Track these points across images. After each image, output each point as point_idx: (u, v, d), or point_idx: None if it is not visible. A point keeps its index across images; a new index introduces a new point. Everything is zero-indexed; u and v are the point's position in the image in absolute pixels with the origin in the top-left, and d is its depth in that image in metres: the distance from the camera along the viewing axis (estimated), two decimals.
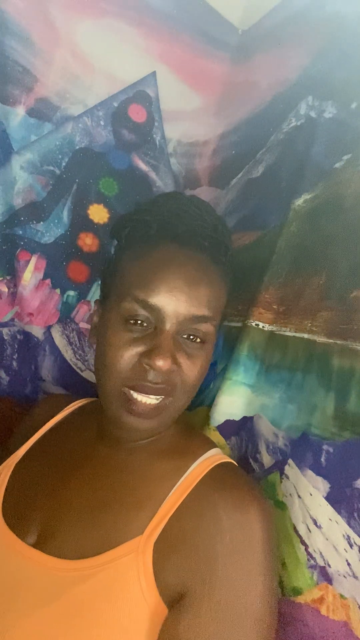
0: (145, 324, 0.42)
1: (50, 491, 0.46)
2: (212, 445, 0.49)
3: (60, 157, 0.71)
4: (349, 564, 0.44)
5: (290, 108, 0.63)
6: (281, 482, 0.52)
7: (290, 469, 0.51)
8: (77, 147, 0.71)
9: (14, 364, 0.74)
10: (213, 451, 0.47)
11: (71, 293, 0.75)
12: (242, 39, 0.74)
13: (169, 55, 0.72)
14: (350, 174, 0.53)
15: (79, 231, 0.73)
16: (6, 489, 0.48)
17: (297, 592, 0.47)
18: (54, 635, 0.36)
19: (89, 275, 0.75)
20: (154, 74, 0.72)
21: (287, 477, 0.51)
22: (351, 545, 0.44)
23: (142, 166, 0.76)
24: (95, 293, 0.76)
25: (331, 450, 0.48)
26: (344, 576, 0.44)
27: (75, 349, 0.75)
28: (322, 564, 0.46)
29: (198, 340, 0.43)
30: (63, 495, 0.45)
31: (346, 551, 0.44)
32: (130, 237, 0.46)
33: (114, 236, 0.49)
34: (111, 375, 0.42)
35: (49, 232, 0.72)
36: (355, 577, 0.43)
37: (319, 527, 0.46)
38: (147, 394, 0.41)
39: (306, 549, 0.47)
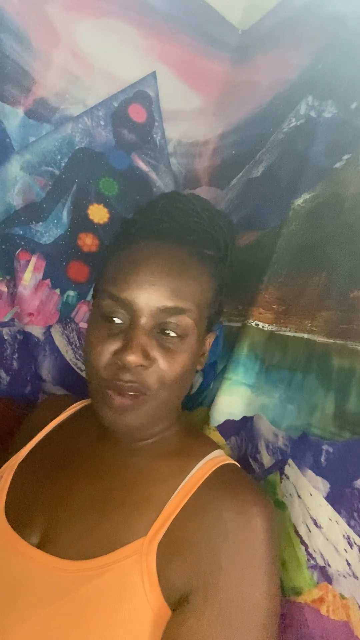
0: (122, 322, 0.42)
1: (53, 492, 0.46)
2: (215, 446, 0.49)
3: (59, 157, 0.70)
4: (349, 564, 0.44)
5: (290, 108, 0.63)
6: (281, 482, 0.52)
7: (290, 469, 0.51)
8: (77, 148, 0.71)
9: (14, 364, 0.74)
10: (216, 452, 0.47)
11: (71, 293, 0.75)
12: (242, 39, 0.74)
13: (169, 55, 0.72)
14: (350, 174, 0.53)
15: (79, 231, 0.73)
16: (9, 490, 0.48)
17: (297, 592, 0.47)
18: (56, 636, 0.36)
19: (89, 275, 0.75)
20: (154, 73, 0.72)
21: (287, 477, 0.51)
22: (351, 545, 0.44)
23: (142, 166, 0.76)
24: None
25: (331, 450, 0.48)
26: (344, 576, 0.44)
27: (75, 349, 0.75)
28: (322, 564, 0.46)
29: (175, 334, 0.42)
30: (66, 495, 0.45)
31: (346, 551, 0.44)
32: (117, 237, 0.47)
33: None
34: (92, 374, 0.43)
35: (49, 232, 0.72)
36: (355, 577, 0.43)
37: (319, 527, 0.46)
38: (121, 394, 0.41)
39: (306, 549, 0.47)
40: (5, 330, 0.72)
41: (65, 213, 0.72)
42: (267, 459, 0.55)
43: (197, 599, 0.36)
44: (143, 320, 0.41)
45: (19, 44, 0.64)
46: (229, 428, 0.60)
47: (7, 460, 0.53)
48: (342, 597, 0.44)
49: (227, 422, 0.60)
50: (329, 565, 0.45)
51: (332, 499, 0.46)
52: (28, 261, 0.71)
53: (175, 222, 0.44)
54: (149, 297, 0.41)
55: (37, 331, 0.74)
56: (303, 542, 0.47)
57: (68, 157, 0.71)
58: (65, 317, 0.75)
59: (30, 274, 0.71)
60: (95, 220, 0.74)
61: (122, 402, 0.41)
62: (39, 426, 0.57)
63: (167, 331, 0.42)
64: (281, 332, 0.57)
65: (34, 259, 0.71)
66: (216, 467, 0.44)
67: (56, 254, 0.73)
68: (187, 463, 0.45)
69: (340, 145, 0.55)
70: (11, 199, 0.69)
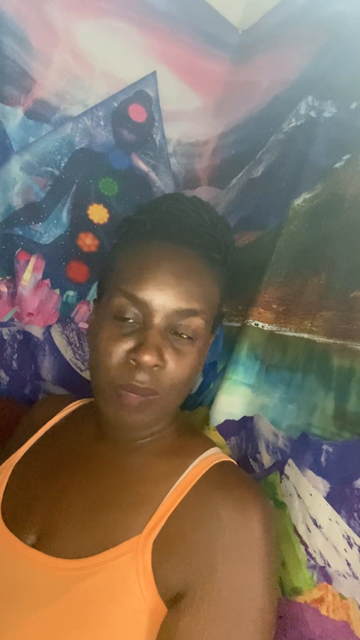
0: (134, 321, 0.42)
1: (49, 491, 0.46)
2: (211, 444, 0.49)
3: (59, 158, 0.71)
4: (348, 564, 0.44)
5: (290, 108, 0.63)
6: (281, 482, 0.52)
7: (290, 469, 0.51)
8: (77, 148, 0.71)
9: (14, 364, 0.74)
10: (212, 450, 0.47)
11: (71, 293, 0.75)
12: (242, 39, 0.74)
13: (169, 55, 0.72)
14: (350, 174, 0.53)
15: (79, 231, 0.73)
16: (5, 490, 0.48)
17: (297, 592, 0.47)
18: (54, 635, 0.36)
19: (89, 275, 0.75)
20: (154, 73, 0.72)
21: (287, 477, 0.51)
22: (351, 545, 0.44)
23: (142, 166, 0.76)
24: (94, 293, 0.76)
25: (331, 450, 0.48)
26: (344, 576, 0.44)
27: (75, 349, 0.75)
28: (322, 563, 0.46)
29: (187, 337, 0.43)
30: (62, 495, 0.45)
31: (346, 551, 0.44)
32: (125, 236, 0.47)
33: (113, 236, 0.50)
34: (102, 372, 0.42)
35: (48, 232, 0.72)
36: (355, 577, 0.43)
37: (319, 527, 0.46)
38: (135, 394, 0.41)
39: (306, 549, 0.47)
40: (5, 330, 0.72)
41: (64, 213, 0.72)
42: (267, 459, 0.55)
43: (193, 596, 0.36)
44: (157, 321, 0.41)
45: (19, 44, 0.64)
46: (229, 428, 0.60)
47: (4, 461, 0.53)
48: (342, 597, 0.44)
49: (227, 422, 0.60)
50: (328, 565, 0.45)
51: (332, 499, 0.46)
52: (27, 261, 0.71)
53: (183, 225, 0.44)
54: (166, 298, 0.41)
55: (36, 331, 0.74)
56: (303, 542, 0.47)
57: (68, 157, 0.71)
58: (65, 317, 0.75)
59: (29, 274, 0.71)
60: (95, 221, 0.74)
61: (134, 401, 0.41)
62: (36, 426, 0.57)
63: (180, 333, 0.43)
64: (281, 332, 0.57)
65: (33, 259, 0.71)
66: (212, 464, 0.44)
67: (56, 254, 0.73)
68: (183, 461, 0.45)
69: (340, 145, 0.55)
70: (11, 199, 0.69)
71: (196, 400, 0.66)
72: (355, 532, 0.44)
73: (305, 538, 0.47)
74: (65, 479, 0.47)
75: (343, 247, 0.52)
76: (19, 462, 0.52)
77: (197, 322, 0.43)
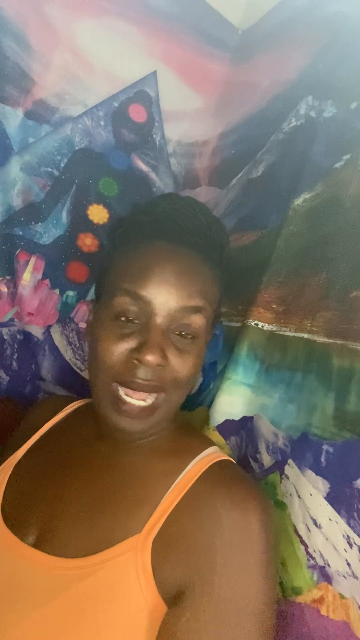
0: (136, 321, 0.42)
1: (49, 491, 0.46)
2: (210, 443, 0.49)
3: (59, 158, 0.71)
4: (348, 564, 0.44)
5: (290, 108, 0.63)
6: (281, 482, 0.52)
7: (290, 469, 0.51)
8: (77, 148, 0.71)
9: (14, 364, 0.74)
10: (211, 449, 0.47)
11: (70, 293, 0.75)
12: (242, 39, 0.74)
13: (169, 55, 0.72)
14: (350, 174, 0.53)
15: (79, 231, 0.73)
16: (5, 490, 0.48)
17: (297, 592, 0.47)
18: (54, 634, 0.36)
19: (89, 276, 0.75)
20: (154, 73, 0.72)
21: (287, 477, 0.51)
22: (351, 545, 0.44)
23: (142, 166, 0.76)
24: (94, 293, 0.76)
25: (331, 450, 0.48)
26: (344, 576, 0.44)
27: (75, 349, 0.75)
28: (322, 563, 0.45)
29: (189, 336, 0.43)
30: (62, 494, 0.45)
31: (346, 551, 0.44)
32: (123, 236, 0.47)
33: (109, 237, 0.50)
34: (101, 370, 0.42)
35: (47, 233, 0.72)
36: (355, 577, 0.43)
37: (318, 527, 0.46)
38: (136, 390, 0.41)
39: (306, 549, 0.47)
40: (5, 330, 0.72)
41: (64, 214, 0.72)
42: (267, 459, 0.55)
43: (193, 594, 0.36)
44: (160, 320, 0.42)
45: (18, 44, 0.64)
46: (229, 428, 0.60)
47: (4, 460, 0.53)
48: (342, 597, 0.44)
49: (227, 422, 0.60)
50: (328, 565, 0.45)
51: (332, 499, 0.46)
52: (27, 261, 0.71)
53: (180, 225, 0.44)
54: (168, 297, 0.42)
55: (36, 331, 0.74)
56: (303, 542, 0.47)
57: (67, 157, 0.71)
58: (64, 317, 0.75)
59: (29, 274, 0.71)
60: (95, 221, 0.74)
61: (134, 409, 0.42)
62: (36, 426, 0.57)
63: (181, 332, 0.43)
64: (281, 332, 0.57)
65: (33, 259, 0.71)
66: (211, 463, 0.45)
67: (55, 254, 0.73)
68: (182, 460, 0.45)
69: (340, 145, 0.55)
70: (11, 199, 0.69)
71: (196, 400, 0.66)
72: (355, 532, 0.44)
73: (305, 538, 0.47)
74: (65, 479, 0.47)
75: (343, 247, 0.52)
76: (19, 462, 0.52)
77: (198, 320, 0.43)
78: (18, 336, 0.73)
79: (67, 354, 0.75)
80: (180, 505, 0.41)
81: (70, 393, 0.76)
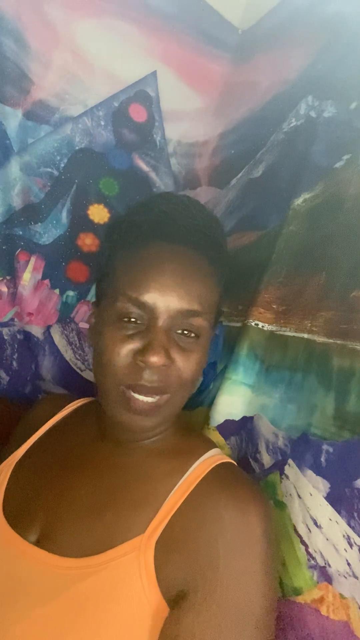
0: (138, 322, 0.42)
1: (51, 490, 0.46)
2: (212, 445, 0.49)
3: (58, 158, 0.70)
4: (349, 564, 0.44)
5: (290, 108, 0.63)
6: (281, 482, 0.52)
7: (290, 469, 0.51)
8: (77, 148, 0.71)
9: (14, 363, 0.74)
10: (213, 451, 0.47)
11: (70, 293, 0.75)
12: (242, 39, 0.74)
13: (169, 55, 0.72)
14: (350, 174, 0.53)
15: (79, 231, 0.73)
16: (7, 488, 0.48)
17: (297, 592, 0.47)
18: (55, 633, 0.36)
19: (89, 276, 0.75)
20: (154, 73, 0.72)
21: (287, 477, 0.51)
22: (351, 545, 0.44)
23: (143, 166, 0.76)
24: (94, 293, 0.76)
25: (331, 450, 0.48)
26: (344, 576, 0.44)
27: (75, 349, 0.75)
28: (322, 563, 0.45)
29: (192, 335, 0.43)
30: (64, 493, 0.45)
31: (346, 551, 0.44)
32: (121, 238, 0.47)
33: (107, 239, 0.50)
34: (108, 373, 0.42)
35: (47, 233, 0.72)
36: (355, 577, 0.43)
37: (319, 527, 0.46)
38: (144, 394, 0.42)
39: (306, 549, 0.47)
40: (5, 330, 0.72)
41: (64, 214, 0.72)
42: (267, 459, 0.55)
43: (195, 595, 0.36)
44: (162, 322, 0.42)
45: (18, 44, 0.64)
46: (229, 428, 0.60)
47: (5, 459, 0.53)
48: (342, 597, 0.44)
49: (227, 422, 0.60)
50: (329, 565, 0.45)
51: (332, 499, 0.46)
52: (27, 261, 0.71)
53: (178, 224, 0.44)
54: (170, 300, 0.42)
55: (36, 331, 0.74)
56: (303, 542, 0.47)
57: (67, 157, 0.71)
58: (64, 317, 0.75)
59: (29, 274, 0.71)
60: (96, 221, 0.74)
61: (143, 406, 0.42)
62: (37, 425, 0.57)
63: (184, 331, 0.43)
64: (281, 332, 0.57)
65: (33, 259, 0.71)
66: (213, 465, 0.45)
67: (55, 254, 0.73)
68: (184, 462, 0.45)
69: (340, 145, 0.55)
70: (11, 199, 0.69)
71: (196, 400, 0.66)
72: (355, 532, 0.44)
73: (305, 538, 0.47)
74: (67, 478, 0.47)
75: (343, 247, 0.52)
76: (19, 461, 0.52)
77: (200, 322, 0.44)
78: (18, 336, 0.73)
79: (67, 354, 0.75)
80: (184, 507, 0.41)
81: (70, 393, 0.76)
